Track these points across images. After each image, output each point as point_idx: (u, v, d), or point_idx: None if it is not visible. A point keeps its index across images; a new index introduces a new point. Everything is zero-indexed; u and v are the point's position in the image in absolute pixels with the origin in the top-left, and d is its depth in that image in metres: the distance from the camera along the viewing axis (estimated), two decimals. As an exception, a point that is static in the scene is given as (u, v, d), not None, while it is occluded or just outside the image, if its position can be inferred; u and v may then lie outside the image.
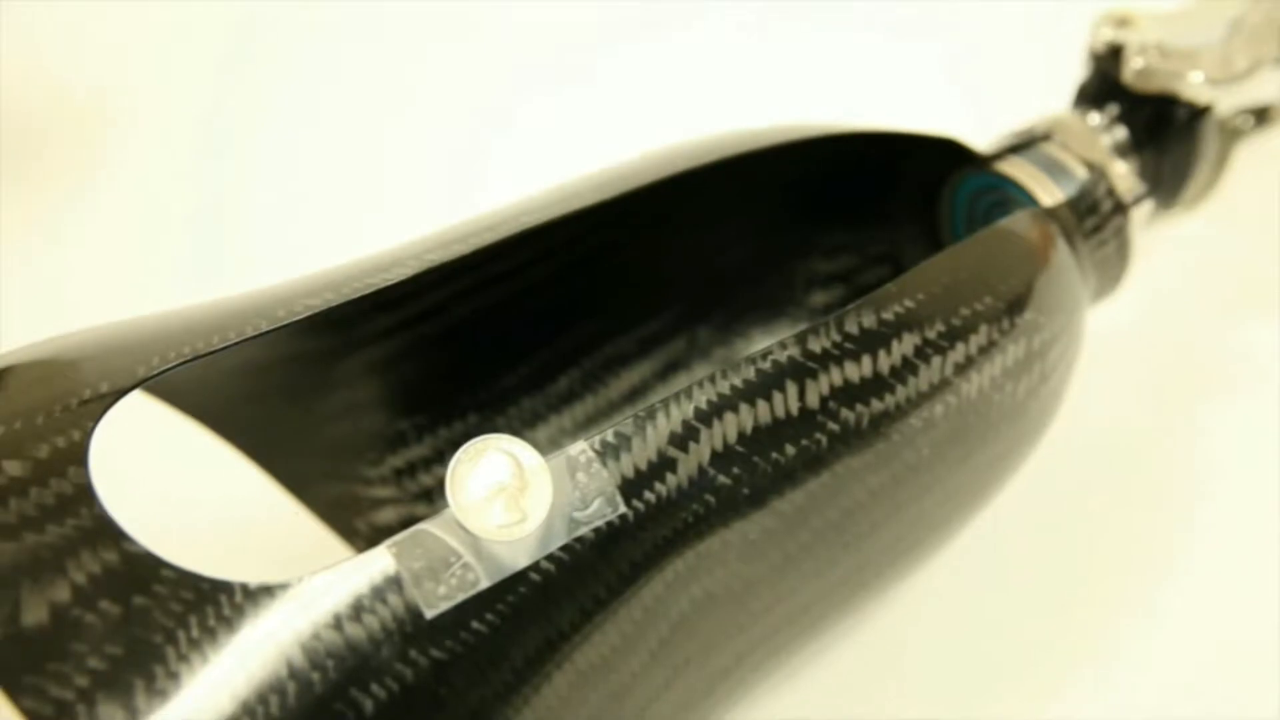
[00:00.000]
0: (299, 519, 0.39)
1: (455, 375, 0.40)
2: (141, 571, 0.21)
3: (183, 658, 0.20)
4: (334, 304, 0.27)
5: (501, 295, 0.39)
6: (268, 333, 0.26)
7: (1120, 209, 0.38)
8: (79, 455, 0.23)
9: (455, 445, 0.37)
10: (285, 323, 0.27)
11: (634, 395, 0.42)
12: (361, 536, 0.38)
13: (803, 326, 0.34)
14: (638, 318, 0.42)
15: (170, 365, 0.25)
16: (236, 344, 0.26)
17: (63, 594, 0.21)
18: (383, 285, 0.28)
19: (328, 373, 0.37)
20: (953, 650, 0.39)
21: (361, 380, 0.38)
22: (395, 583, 0.22)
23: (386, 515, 0.39)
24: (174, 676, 0.20)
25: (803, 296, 0.45)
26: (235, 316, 0.27)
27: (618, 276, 0.41)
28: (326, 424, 0.38)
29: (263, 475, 0.38)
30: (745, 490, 0.27)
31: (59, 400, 0.24)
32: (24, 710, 0.19)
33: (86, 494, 0.22)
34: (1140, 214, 0.39)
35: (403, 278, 0.28)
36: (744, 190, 0.41)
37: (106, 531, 0.22)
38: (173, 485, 0.38)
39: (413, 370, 0.39)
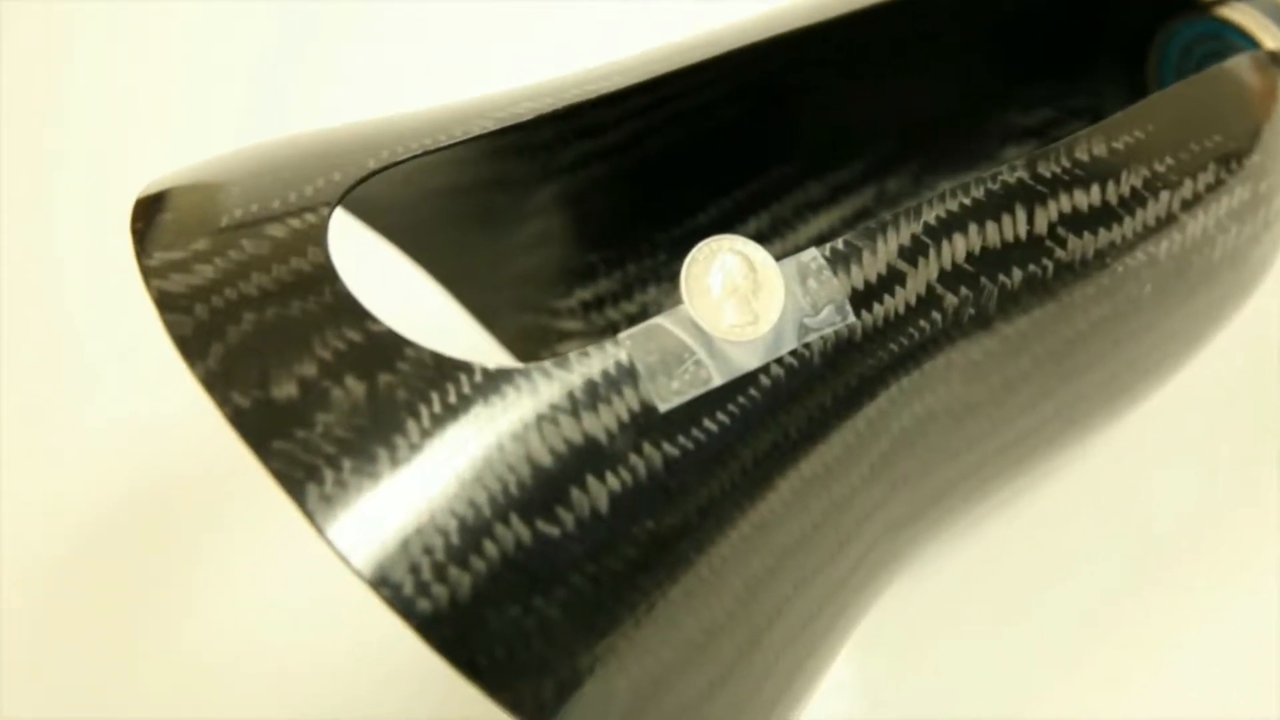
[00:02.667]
0: (485, 349, 0.39)
1: (647, 210, 0.39)
2: (385, 348, 0.21)
3: (425, 432, 0.21)
4: (556, 108, 0.27)
5: (699, 130, 0.38)
6: (493, 133, 0.26)
7: (1351, 59, 0.36)
8: (318, 236, 0.23)
9: (643, 281, 0.37)
10: (509, 123, 0.26)
11: (820, 243, 0.42)
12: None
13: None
14: (830, 164, 0.42)
15: (399, 159, 0.25)
16: (462, 142, 0.26)
17: (309, 368, 0.21)
18: (603, 93, 0.28)
19: (523, 201, 0.37)
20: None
21: (555, 210, 0.38)
22: (630, 374, 0.22)
23: (572, 348, 0.39)
24: (415, 448, 0.20)
25: (996, 151, 0.44)
26: (455, 121, 0.27)
27: (814, 119, 0.41)
28: (518, 254, 0.38)
29: (452, 302, 0.38)
30: (971, 311, 0.26)
31: (293, 187, 0.24)
32: (272, 472, 0.20)
33: (328, 273, 0.22)
34: (1371, 66, 0.37)
35: (621, 87, 0.28)
36: (945, 33, 0.40)
37: (349, 309, 0.22)
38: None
39: (606, 203, 0.38)
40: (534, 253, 0.38)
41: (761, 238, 0.41)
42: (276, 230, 0.23)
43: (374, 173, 0.25)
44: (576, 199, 0.38)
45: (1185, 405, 0.40)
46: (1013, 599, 0.37)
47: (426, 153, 0.25)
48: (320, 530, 0.19)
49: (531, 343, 0.39)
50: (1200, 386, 0.40)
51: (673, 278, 0.40)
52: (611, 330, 0.39)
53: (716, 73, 0.31)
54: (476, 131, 0.26)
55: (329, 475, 0.20)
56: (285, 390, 0.21)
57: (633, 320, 0.39)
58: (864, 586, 0.27)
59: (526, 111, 0.27)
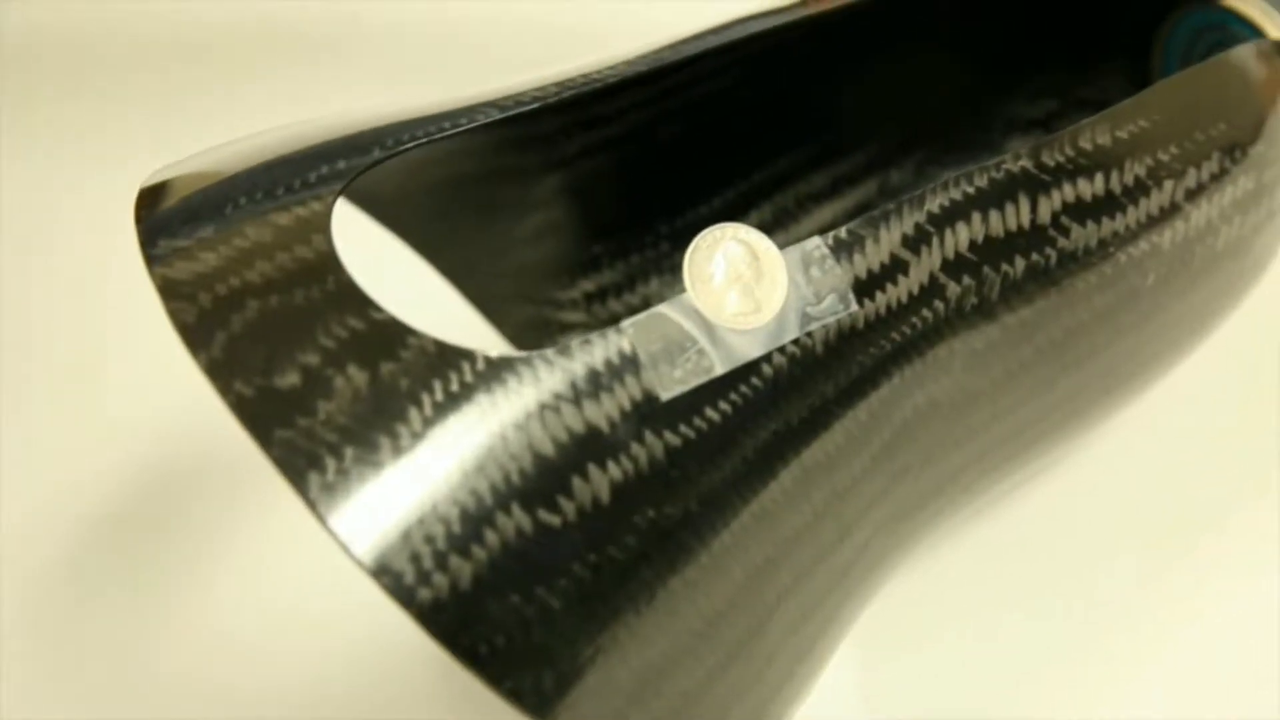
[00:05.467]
0: (487, 340, 0.39)
1: (651, 201, 0.39)
2: (388, 336, 0.21)
3: (427, 420, 0.21)
4: (562, 98, 0.27)
5: (703, 121, 0.38)
6: (498, 124, 0.26)
7: (1357, 49, 0.36)
8: (322, 223, 0.23)
9: (646, 272, 0.37)
10: (514, 112, 0.26)
11: (822, 234, 0.42)
12: (549, 360, 0.38)
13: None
14: (834, 155, 0.42)
15: (405, 147, 0.25)
16: (467, 130, 0.26)
17: (312, 356, 0.21)
18: (608, 83, 0.28)
19: (527, 192, 0.37)
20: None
21: (559, 201, 0.38)
22: (632, 363, 0.22)
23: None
24: (417, 437, 0.20)
25: (1000, 143, 0.44)
26: (460, 110, 0.27)
27: (818, 110, 0.41)
28: (522, 245, 0.38)
29: (455, 293, 0.38)
30: (974, 300, 0.26)
31: (298, 174, 0.24)
32: (274, 460, 0.20)
33: (331, 260, 0.22)
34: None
35: (624, 77, 0.28)
36: (949, 23, 0.40)
37: (352, 297, 0.22)
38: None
39: (610, 194, 0.38)
40: (537, 244, 0.38)
41: (764, 229, 0.41)
42: (280, 217, 0.23)
43: (378, 161, 0.25)
44: (580, 190, 0.38)
45: (1186, 399, 0.40)
46: (1010, 596, 0.37)
47: (431, 140, 0.25)
48: (322, 519, 0.19)
49: (534, 334, 0.39)
50: (1202, 381, 0.40)
51: (675, 269, 0.40)
52: (614, 322, 0.39)
53: (720, 63, 0.31)
54: (481, 120, 0.26)
55: (331, 463, 0.20)
56: (288, 378, 0.21)
57: (635, 312, 0.39)
58: (866, 577, 0.27)
59: (531, 100, 0.27)
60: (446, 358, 0.21)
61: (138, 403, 0.42)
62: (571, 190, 0.38)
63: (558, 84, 0.28)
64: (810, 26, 0.31)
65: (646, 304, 0.40)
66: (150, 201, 0.24)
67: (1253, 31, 0.36)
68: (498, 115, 0.26)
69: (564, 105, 0.27)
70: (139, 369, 0.42)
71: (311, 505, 0.19)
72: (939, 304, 0.26)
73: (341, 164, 0.24)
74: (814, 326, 0.24)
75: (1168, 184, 0.29)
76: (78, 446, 0.41)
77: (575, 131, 0.36)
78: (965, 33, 0.41)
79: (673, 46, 0.29)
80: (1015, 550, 0.38)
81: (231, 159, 0.25)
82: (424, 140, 0.25)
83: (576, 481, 0.21)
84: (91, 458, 0.41)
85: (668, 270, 0.40)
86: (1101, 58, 0.42)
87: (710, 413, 0.23)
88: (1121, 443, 0.39)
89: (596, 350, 0.22)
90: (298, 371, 0.21)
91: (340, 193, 0.24)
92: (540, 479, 0.21)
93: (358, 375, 0.21)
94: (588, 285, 0.39)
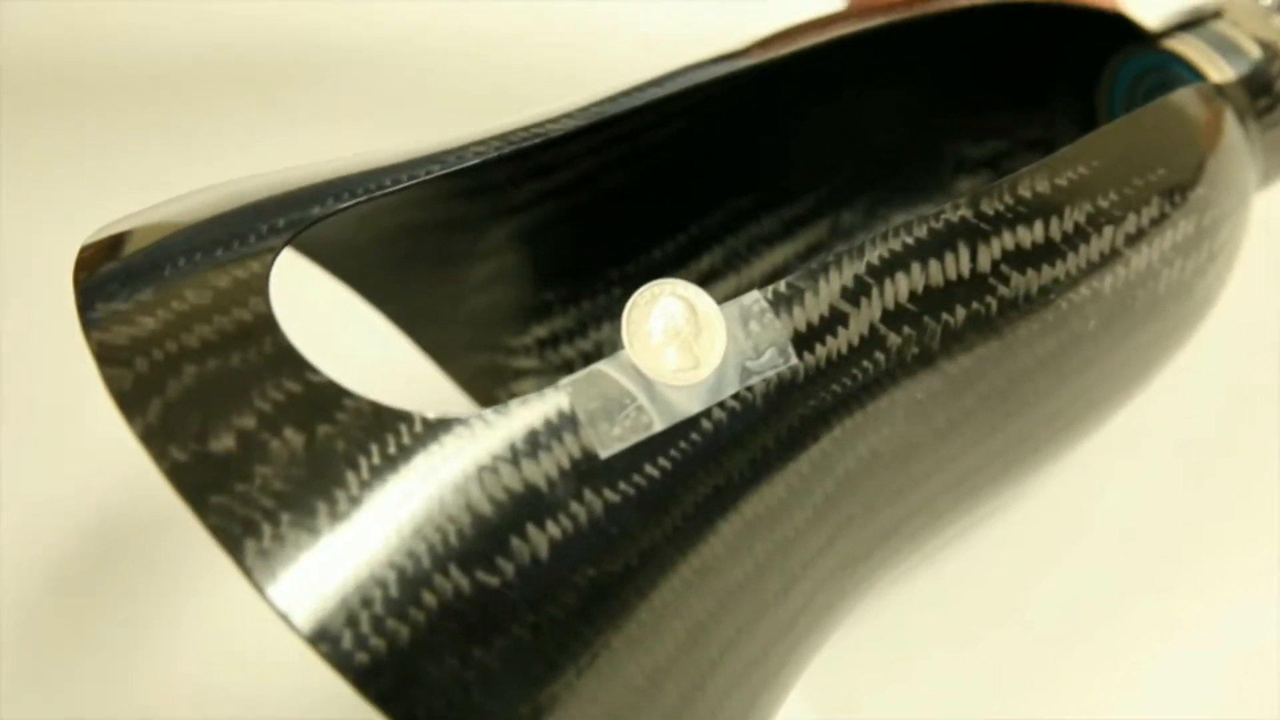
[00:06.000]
0: (439, 388, 0.39)
1: (602, 247, 0.39)
2: (324, 399, 0.21)
3: (364, 483, 0.20)
4: (503, 152, 0.27)
5: (652, 166, 0.38)
6: (439, 176, 0.26)
7: (1294, 91, 0.37)
8: (260, 286, 0.23)
9: (598, 318, 0.37)
10: (456, 167, 0.26)
11: (775, 276, 0.42)
12: (502, 406, 0.38)
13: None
14: (784, 198, 0.42)
15: (344, 205, 0.25)
16: (408, 186, 0.26)
17: (248, 420, 0.21)
18: (551, 136, 0.28)
19: (478, 240, 0.37)
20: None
21: (510, 249, 0.38)
22: (571, 421, 0.22)
23: (527, 386, 0.39)
24: (354, 501, 0.20)
25: (949, 182, 0.44)
26: (402, 165, 0.27)
27: (767, 153, 0.41)
28: (473, 293, 0.38)
29: (407, 342, 0.38)
30: (915, 350, 0.26)
31: (238, 234, 0.24)
32: (210, 527, 0.20)
33: (268, 323, 0.22)
34: (1314, 97, 0.37)
35: (568, 130, 0.28)
36: (898, 66, 0.40)
37: (289, 360, 0.22)
38: (318, 347, 0.39)
39: (560, 240, 0.38)
40: (489, 291, 0.38)
41: (715, 273, 0.41)
42: (219, 279, 0.23)
43: (319, 219, 0.25)
44: (531, 237, 0.38)
45: (1168, 403, 0.41)
46: (963, 637, 0.37)
47: (371, 198, 0.25)
48: (258, 587, 0.19)
49: (487, 381, 0.39)
50: (1182, 387, 0.41)
51: (628, 314, 0.40)
52: (567, 368, 0.39)
53: (668, 110, 0.31)
54: (423, 177, 0.26)
55: (267, 529, 0.20)
56: (223, 443, 0.20)
57: (588, 358, 0.39)
58: (812, 628, 0.27)
59: (473, 156, 0.27)
60: (383, 420, 0.21)
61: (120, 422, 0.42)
62: (522, 237, 0.38)
63: (499, 137, 0.28)
64: (759, 71, 0.31)
65: (599, 349, 0.40)
66: (90, 262, 0.24)
67: (1193, 74, 0.36)
68: (439, 171, 0.26)
69: (508, 156, 0.27)
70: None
71: (247, 572, 0.19)
72: (879, 355, 0.26)
73: (281, 222, 0.24)
74: (754, 381, 0.24)
75: (1108, 230, 0.29)
76: (62, 464, 0.41)
77: (523, 180, 0.36)
78: (913, 75, 0.42)
79: (613, 99, 0.29)
80: (972, 590, 0.38)
81: (174, 215, 0.25)
82: (363, 199, 0.25)
83: (515, 541, 0.21)
84: (73, 478, 0.41)
85: (620, 315, 0.40)
86: (1047, 98, 0.42)
87: (650, 469, 0.23)
88: (1064, 483, 0.40)
89: (534, 409, 0.22)
90: (233, 435, 0.21)
91: (279, 252, 0.24)
92: (479, 540, 0.21)
93: (294, 438, 0.21)
94: (540, 331, 0.39)
